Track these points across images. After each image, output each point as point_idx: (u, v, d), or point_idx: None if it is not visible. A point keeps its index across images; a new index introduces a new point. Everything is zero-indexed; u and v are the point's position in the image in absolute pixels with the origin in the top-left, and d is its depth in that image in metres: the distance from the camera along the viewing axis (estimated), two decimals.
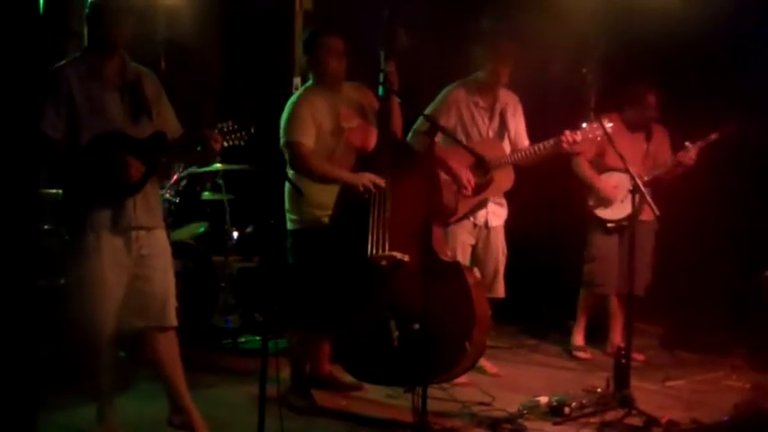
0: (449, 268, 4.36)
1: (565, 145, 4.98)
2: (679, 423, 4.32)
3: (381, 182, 4.38)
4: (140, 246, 3.85)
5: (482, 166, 4.96)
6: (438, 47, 6.38)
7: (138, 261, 3.85)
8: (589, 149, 5.52)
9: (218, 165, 5.82)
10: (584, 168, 5.70)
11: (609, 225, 5.71)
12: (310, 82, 4.67)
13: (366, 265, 4.30)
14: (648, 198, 4.67)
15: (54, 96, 3.71)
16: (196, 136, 3.90)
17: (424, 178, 4.21)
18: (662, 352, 5.99)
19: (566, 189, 5.85)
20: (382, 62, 4.49)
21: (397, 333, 4.18)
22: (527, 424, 4.33)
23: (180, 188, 6.03)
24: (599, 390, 4.59)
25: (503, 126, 5.22)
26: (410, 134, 4.98)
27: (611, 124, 4.98)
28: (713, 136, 5.58)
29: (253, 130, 3.92)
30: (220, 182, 6.14)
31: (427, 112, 5.04)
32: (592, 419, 4.37)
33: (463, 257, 5.06)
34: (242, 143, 3.92)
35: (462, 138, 5.09)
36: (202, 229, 6.16)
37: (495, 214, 5.24)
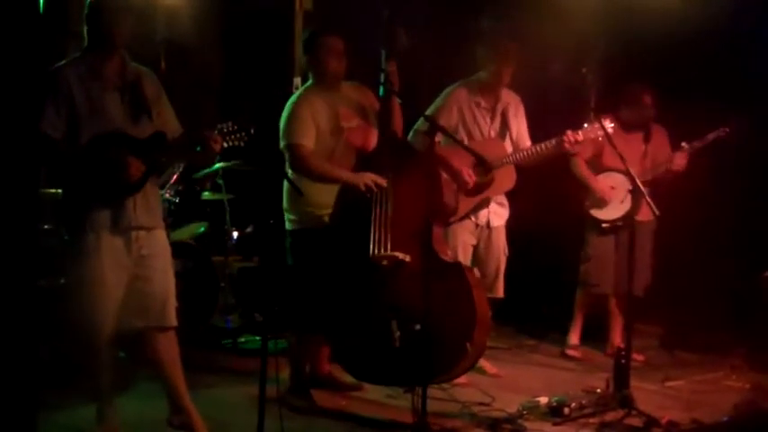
0: (450, 269, 4.36)
1: (567, 145, 4.99)
2: (679, 423, 4.31)
3: (383, 181, 4.38)
4: (140, 246, 3.85)
5: (483, 166, 4.97)
6: (438, 47, 6.38)
7: (137, 261, 3.84)
8: (586, 150, 5.52)
9: (217, 164, 5.82)
10: (582, 168, 5.70)
11: (604, 225, 5.73)
12: (310, 82, 4.67)
13: (367, 265, 4.30)
14: (648, 198, 4.67)
15: (54, 96, 3.71)
16: (196, 136, 3.90)
17: (424, 178, 4.21)
18: (662, 352, 5.99)
19: (565, 189, 5.86)
20: (383, 62, 4.49)
21: (398, 333, 4.18)
22: (527, 424, 4.32)
23: (180, 188, 6.02)
24: (599, 390, 4.59)
25: (504, 126, 5.23)
26: (411, 134, 4.98)
27: (612, 125, 4.98)
28: (710, 136, 5.58)
29: (252, 131, 3.92)
30: (220, 182, 6.14)
31: (429, 112, 5.04)
32: (591, 420, 4.36)
33: (464, 257, 5.06)
34: (242, 144, 3.92)
35: (464, 138, 5.09)
36: (202, 229, 6.17)
37: (497, 214, 5.24)
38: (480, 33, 5.82)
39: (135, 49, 3.95)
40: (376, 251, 4.31)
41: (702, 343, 5.95)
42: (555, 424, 4.36)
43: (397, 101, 4.51)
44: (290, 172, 4.48)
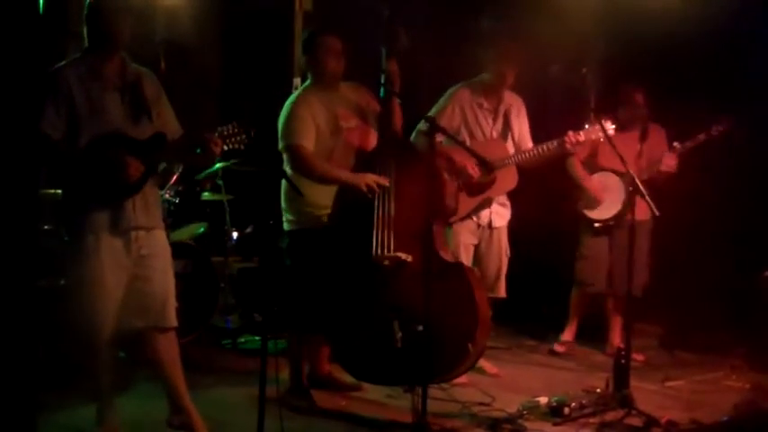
0: (452, 269, 4.36)
1: (568, 146, 5.02)
2: (679, 423, 4.31)
3: (385, 182, 4.38)
4: (140, 246, 3.85)
5: (484, 166, 4.97)
6: (438, 47, 6.38)
7: (137, 261, 3.84)
8: (582, 150, 5.53)
9: (217, 164, 5.82)
10: (577, 168, 5.72)
11: (596, 225, 5.76)
12: (308, 82, 4.67)
13: (369, 266, 4.30)
14: (647, 198, 4.67)
15: (54, 96, 3.71)
16: (196, 137, 3.90)
17: (426, 178, 4.21)
18: (661, 352, 6.00)
19: (563, 189, 5.86)
20: (383, 62, 4.49)
21: (400, 334, 4.17)
22: (527, 424, 4.32)
23: (180, 189, 6.02)
24: (599, 390, 4.59)
25: (506, 127, 5.23)
26: (413, 135, 4.98)
27: (613, 126, 4.99)
28: (700, 137, 5.59)
29: (253, 134, 3.92)
30: (220, 182, 6.14)
31: (431, 112, 5.05)
32: (591, 420, 4.36)
33: (466, 257, 5.07)
34: (242, 147, 3.92)
35: (466, 138, 5.10)
36: (202, 230, 6.16)
37: (499, 215, 5.25)
38: (480, 34, 5.82)
39: (135, 49, 3.95)
40: (379, 251, 4.31)
41: (702, 343, 5.96)
42: (555, 424, 4.36)
43: (397, 101, 4.51)
44: (289, 172, 4.48)
